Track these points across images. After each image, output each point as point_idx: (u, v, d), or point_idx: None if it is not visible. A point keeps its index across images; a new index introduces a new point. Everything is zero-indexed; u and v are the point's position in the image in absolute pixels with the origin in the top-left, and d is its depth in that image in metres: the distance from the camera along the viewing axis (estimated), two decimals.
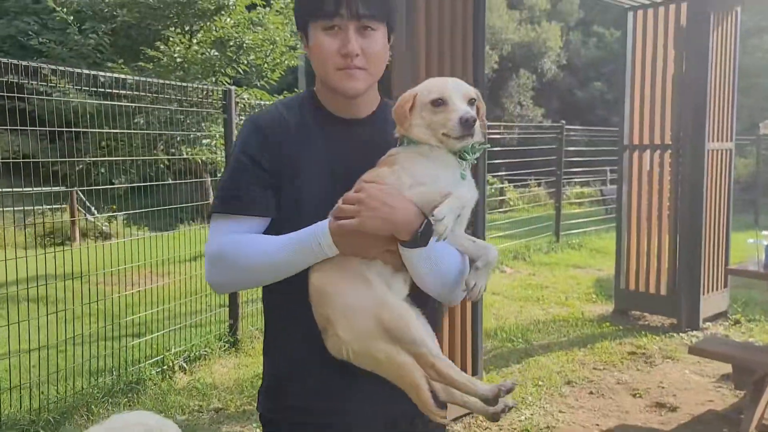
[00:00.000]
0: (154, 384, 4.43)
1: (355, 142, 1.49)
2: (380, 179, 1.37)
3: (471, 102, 1.43)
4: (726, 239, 6.40)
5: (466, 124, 1.37)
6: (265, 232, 1.43)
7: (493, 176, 15.76)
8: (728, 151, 6.36)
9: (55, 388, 4.07)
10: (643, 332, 5.81)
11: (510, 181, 16.73)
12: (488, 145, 1.53)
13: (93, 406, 3.95)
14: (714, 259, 6.26)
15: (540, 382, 4.63)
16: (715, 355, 4.09)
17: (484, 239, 4.10)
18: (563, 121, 11.54)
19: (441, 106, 1.40)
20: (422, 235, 1.32)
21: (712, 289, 6.24)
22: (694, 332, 5.84)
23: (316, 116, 1.51)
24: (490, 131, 11.41)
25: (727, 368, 4.29)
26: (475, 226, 3.99)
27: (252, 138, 1.46)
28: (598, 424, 3.99)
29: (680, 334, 5.80)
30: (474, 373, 4.11)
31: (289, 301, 1.44)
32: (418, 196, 1.35)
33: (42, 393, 3.95)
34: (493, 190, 16.07)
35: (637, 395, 4.43)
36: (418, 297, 1.44)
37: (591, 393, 4.49)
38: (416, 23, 3.59)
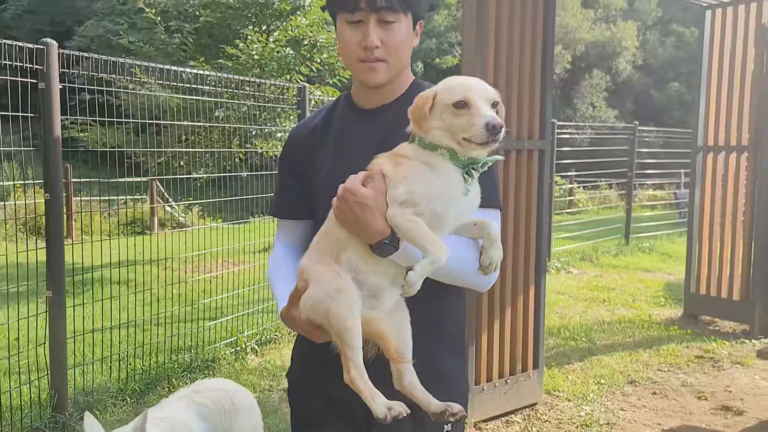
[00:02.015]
0: (228, 363, 4.70)
1: (374, 130, 1.53)
2: (377, 179, 1.38)
3: (494, 105, 1.38)
4: None
5: (493, 131, 1.31)
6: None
7: (562, 176, 15.54)
8: None
9: (141, 361, 4.39)
10: (712, 337, 5.68)
11: (579, 183, 16.45)
12: (501, 158, 1.46)
13: (174, 380, 4.24)
14: None
15: (602, 381, 4.63)
16: None
17: (548, 240, 4.15)
18: (636, 122, 11.30)
19: (464, 108, 1.34)
20: (377, 250, 1.36)
21: None
22: None
23: (344, 112, 1.64)
24: (562, 131, 11.28)
25: None
26: (540, 227, 4.05)
27: (285, 149, 1.70)
28: (660, 424, 3.97)
29: (752, 340, 5.63)
30: (535, 367, 4.16)
31: None
32: (404, 222, 1.34)
33: (129, 365, 4.28)
34: (561, 191, 15.86)
35: (702, 398, 4.37)
36: (426, 295, 1.42)
37: (654, 393, 4.46)
38: (487, 11, 3.67)
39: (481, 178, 1.44)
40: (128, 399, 3.92)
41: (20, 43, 3.37)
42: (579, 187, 16.46)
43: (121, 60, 4.05)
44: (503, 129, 1.32)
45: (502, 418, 3.97)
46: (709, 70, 6.31)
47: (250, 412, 2.66)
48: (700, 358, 5.18)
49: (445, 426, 1.50)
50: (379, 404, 1.32)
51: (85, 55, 3.70)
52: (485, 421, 3.90)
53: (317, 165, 1.60)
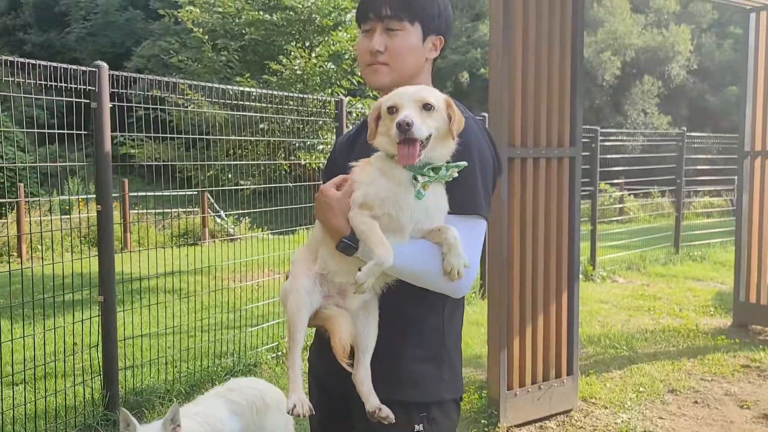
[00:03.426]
0: (269, 368, 4.86)
1: None
2: (348, 183, 1.53)
3: (426, 107, 1.44)
4: None
5: (399, 128, 1.39)
6: None
7: (611, 184, 15.27)
8: None
9: (186, 364, 4.60)
10: (761, 346, 5.53)
11: (630, 191, 16.12)
12: (464, 164, 1.49)
13: (217, 382, 4.40)
14: None
15: (641, 389, 4.58)
16: None
17: (576, 248, 4.16)
18: (684, 128, 11.06)
19: (395, 113, 1.44)
20: (340, 247, 1.48)
21: None
22: None
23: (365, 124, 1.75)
24: (609, 139, 11.11)
25: None
26: (572, 234, 4.07)
27: (328, 158, 1.86)
28: None
29: None
30: (569, 373, 4.17)
31: None
32: (358, 224, 1.45)
33: (175, 368, 4.49)
34: (611, 199, 15.56)
35: (745, 407, 4.28)
36: (392, 297, 1.55)
37: (695, 402, 4.39)
38: (513, 19, 3.74)
39: (453, 186, 1.50)
40: (174, 400, 4.11)
41: (74, 66, 3.64)
42: (629, 194, 16.12)
43: (165, 79, 4.30)
44: (411, 126, 1.38)
45: (536, 424, 3.99)
46: (755, 74, 6.19)
47: (281, 410, 2.79)
48: (747, 368, 5.06)
49: (416, 426, 1.57)
50: (291, 398, 1.46)
51: (134, 75, 3.96)
52: (518, 426, 3.93)
53: (344, 171, 1.72)
